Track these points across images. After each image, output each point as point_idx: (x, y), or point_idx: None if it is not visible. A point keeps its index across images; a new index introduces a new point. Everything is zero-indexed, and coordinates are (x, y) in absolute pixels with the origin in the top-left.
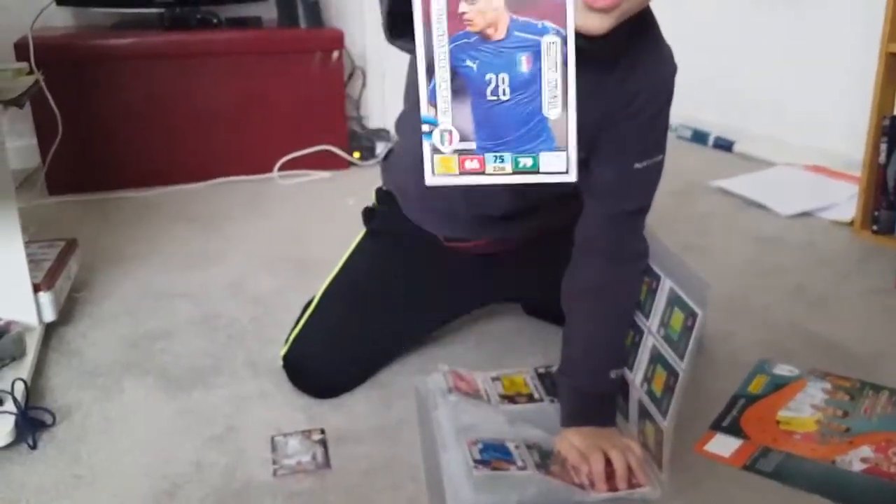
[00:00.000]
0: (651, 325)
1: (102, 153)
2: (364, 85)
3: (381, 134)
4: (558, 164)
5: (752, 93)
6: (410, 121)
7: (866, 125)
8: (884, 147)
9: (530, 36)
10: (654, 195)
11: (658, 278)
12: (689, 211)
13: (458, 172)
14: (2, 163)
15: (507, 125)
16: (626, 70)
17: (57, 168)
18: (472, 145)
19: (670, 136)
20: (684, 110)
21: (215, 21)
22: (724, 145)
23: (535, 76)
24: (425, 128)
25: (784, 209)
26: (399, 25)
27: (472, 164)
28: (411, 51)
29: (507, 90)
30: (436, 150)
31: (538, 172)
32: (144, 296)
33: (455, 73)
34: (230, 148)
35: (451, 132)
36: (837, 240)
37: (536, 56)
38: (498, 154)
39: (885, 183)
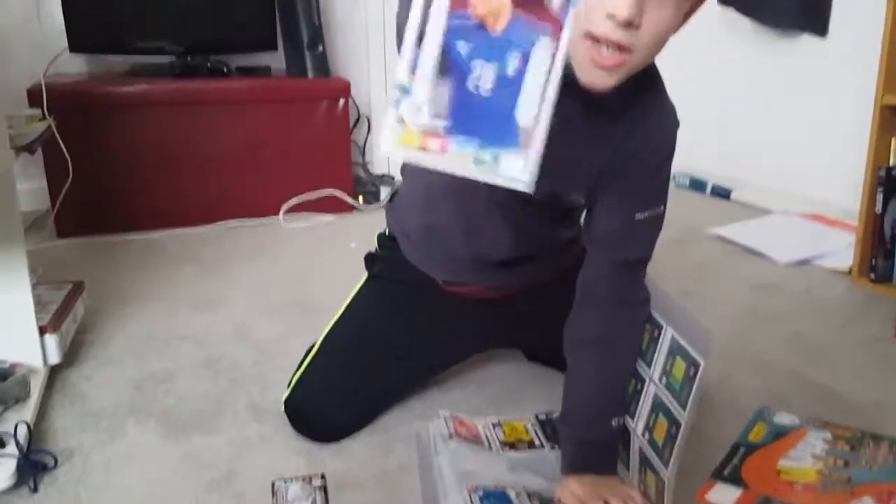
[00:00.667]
0: (653, 373)
1: (111, 196)
2: (369, 131)
3: (385, 179)
4: (517, 170)
5: (749, 142)
6: (416, 165)
7: (862, 175)
8: (880, 196)
9: (526, 37)
10: (654, 246)
11: (660, 326)
12: (687, 257)
13: (417, 148)
14: (12, 206)
15: (480, 117)
16: (631, 123)
17: (66, 210)
18: (441, 125)
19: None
20: (682, 158)
21: (225, 70)
22: (722, 193)
23: (519, 77)
24: (396, 94)
25: (782, 257)
26: None
27: (434, 143)
28: None
29: (490, 83)
30: (401, 121)
31: (496, 173)
32: (149, 338)
33: (443, 51)
34: (237, 192)
35: (422, 106)
36: (835, 288)
37: (526, 58)
38: (462, 142)
39: (881, 232)
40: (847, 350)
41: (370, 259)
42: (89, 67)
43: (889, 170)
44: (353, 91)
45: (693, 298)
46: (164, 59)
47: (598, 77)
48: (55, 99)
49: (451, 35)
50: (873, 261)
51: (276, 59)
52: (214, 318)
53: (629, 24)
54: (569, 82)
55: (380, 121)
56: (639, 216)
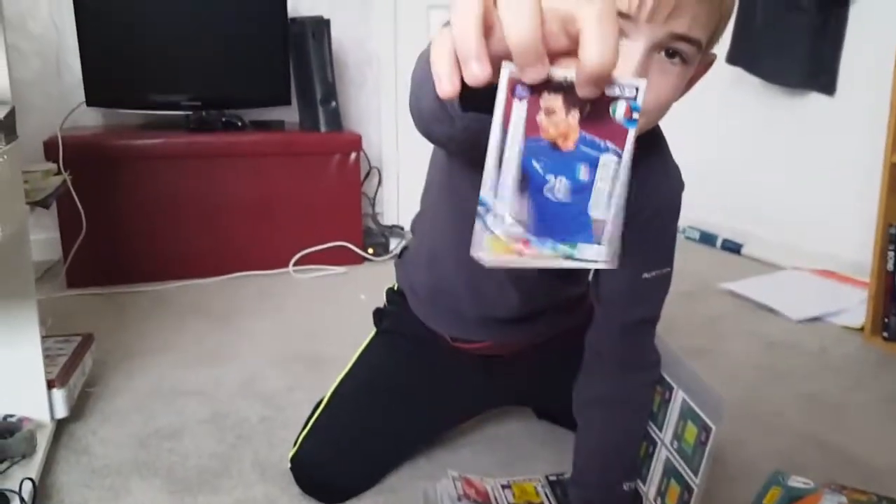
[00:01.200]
0: (664, 436)
1: (123, 248)
2: (380, 184)
3: (395, 231)
4: (592, 254)
5: (759, 197)
6: (426, 220)
7: (873, 231)
8: (891, 255)
9: (593, 152)
10: (662, 306)
11: (671, 388)
12: (698, 312)
13: (504, 252)
14: (26, 261)
15: (557, 220)
16: (636, 186)
17: (78, 262)
18: (522, 231)
19: (679, 237)
20: (692, 212)
21: (239, 124)
22: (733, 248)
23: (590, 184)
24: (481, 209)
25: (794, 314)
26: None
27: (519, 246)
28: (478, 123)
29: (563, 191)
30: (487, 230)
31: (576, 259)
32: (156, 392)
33: (521, 170)
34: (248, 243)
35: (504, 217)
36: (849, 346)
37: (594, 168)
38: (543, 241)
39: (894, 290)
40: (862, 411)
41: (379, 314)
42: (105, 120)
43: None
44: (364, 144)
45: (705, 355)
46: (179, 113)
47: None
48: (71, 151)
49: (526, 157)
50: (886, 319)
51: (289, 114)
52: (222, 371)
53: None
54: None
55: (390, 173)
56: (646, 275)
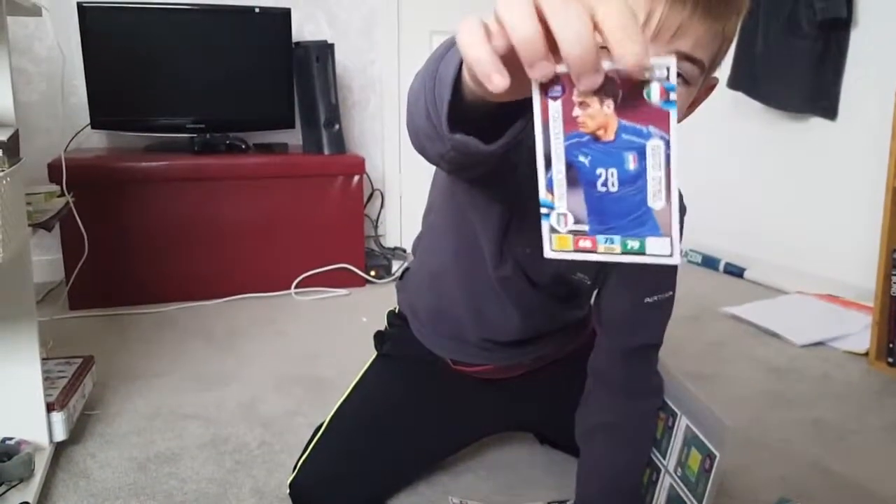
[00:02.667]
0: (668, 463)
1: (126, 270)
2: (382, 206)
3: (397, 252)
4: (662, 248)
5: (762, 221)
6: (427, 242)
7: (876, 255)
8: (895, 279)
9: (636, 139)
10: (665, 330)
11: (674, 415)
12: (701, 337)
13: (572, 249)
14: (27, 284)
15: (616, 213)
16: None
17: (80, 284)
18: (585, 227)
19: (681, 260)
20: (695, 235)
21: (243, 146)
22: (735, 272)
23: (641, 173)
24: (544, 210)
25: (798, 338)
26: (460, 118)
27: (585, 243)
28: (468, 147)
29: (616, 183)
30: (553, 230)
31: (644, 254)
32: (156, 415)
33: (570, 166)
34: (250, 265)
35: (566, 215)
36: (853, 372)
37: (642, 156)
38: (608, 237)
39: None
40: (868, 438)
41: (380, 337)
42: (109, 142)
43: None
44: (367, 166)
45: (708, 380)
46: (183, 136)
47: None
48: (75, 174)
49: (570, 153)
50: (891, 344)
51: (293, 136)
52: (222, 394)
53: None
54: None
55: (393, 195)
56: (648, 300)
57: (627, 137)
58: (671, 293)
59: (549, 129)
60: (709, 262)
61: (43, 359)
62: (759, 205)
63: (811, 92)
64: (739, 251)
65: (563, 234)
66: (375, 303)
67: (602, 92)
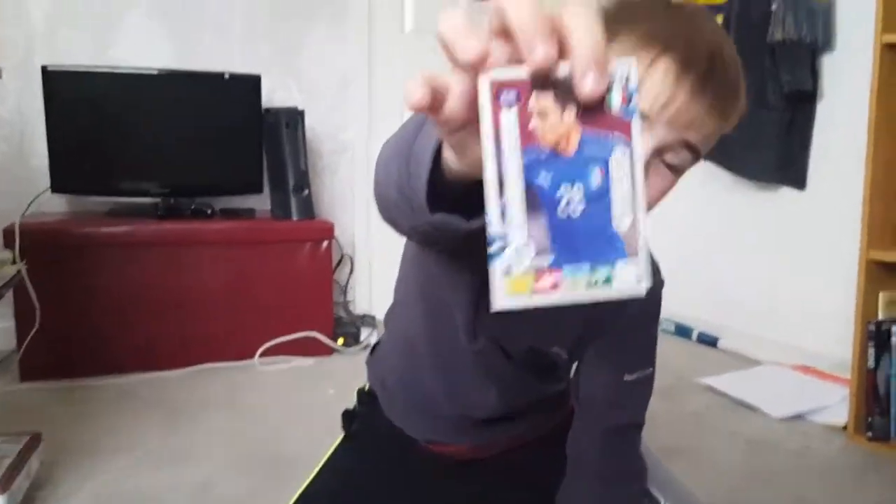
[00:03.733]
0: None
1: (83, 339)
2: (352, 271)
3: (367, 319)
4: (631, 282)
5: (735, 290)
6: (399, 314)
7: (852, 325)
8: (871, 352)
9: (600, 150)
10: (646, 409)
11: (657, 502)
12: (676, 409)
13: (530, 293)
14: None
15: (582, 238)
16: None
17: (32, 353)
18: (549, 259)
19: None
20: (667, 304)
21: (209, 211)
22: (709, 341)
23: (606, 188)
24: (494, 248)
25: (775, 411)
26: (441, 194)
27: (547, 280)
28: (449, 226)
29: (581, 202)
30: (506, 273)
31: (611, 291)
32: (108, 499)
33: (528, 188)
34: (214, 333)
35: (527, 247)
36: (833, 446)
37: (607, 167)
38: (575, 266)
39: (875, 388)
40: None
41: (348, 416)
42: (70, 206)
43: (879, 324)
44: (336, 231)
45: (685, 455)
46: (147, 200)
47: None
48: (31, 239)
49: (529, 170)
50: (869, 418)
51: (260, 202)
52: (180, 474)
53: None
54: None
55: (363, 260)
56: (628, 378)
57: (591, 149)
58: (651, 369)
59: (502, 143)
60: (682, 331)
61: None
62: (732, 274)
63: (780, 162)
64: (713, 320)
65: (518, 274)
66: (343, 373)
67: (562, 99)
